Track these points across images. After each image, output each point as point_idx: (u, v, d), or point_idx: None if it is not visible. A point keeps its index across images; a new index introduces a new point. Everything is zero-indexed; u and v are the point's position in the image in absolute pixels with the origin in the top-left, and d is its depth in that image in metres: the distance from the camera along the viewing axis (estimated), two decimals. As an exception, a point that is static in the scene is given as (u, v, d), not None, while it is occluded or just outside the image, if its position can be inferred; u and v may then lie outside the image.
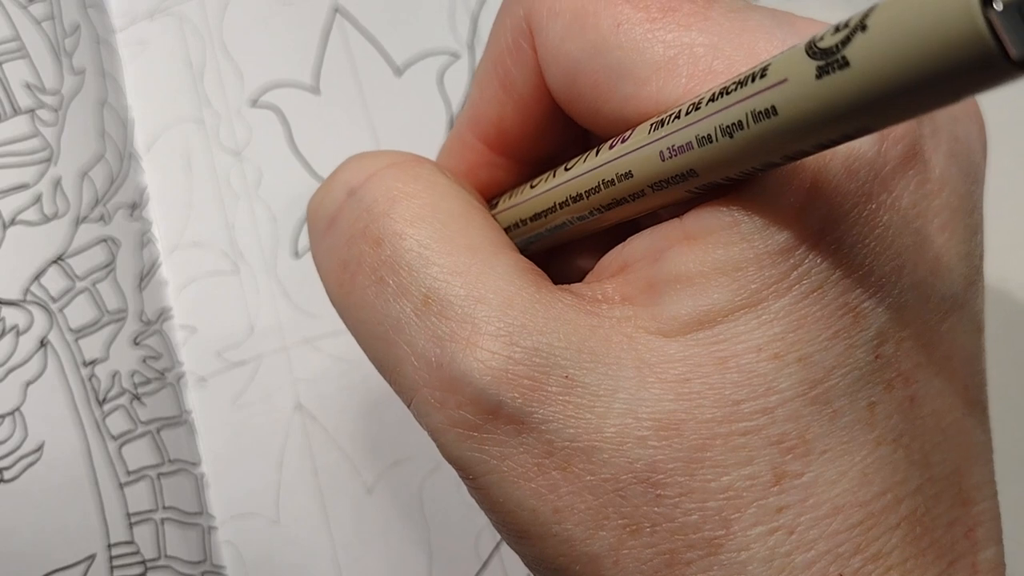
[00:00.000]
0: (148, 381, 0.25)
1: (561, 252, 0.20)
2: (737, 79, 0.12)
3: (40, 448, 0.23)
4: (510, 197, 0.18)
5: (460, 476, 0.14)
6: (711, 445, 0.13)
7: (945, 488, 0.13)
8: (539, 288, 0.14)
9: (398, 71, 0.28)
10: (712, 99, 0.12)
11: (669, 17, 0.14)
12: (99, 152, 0.27)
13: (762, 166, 0.12)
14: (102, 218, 0.26)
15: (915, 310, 0.13)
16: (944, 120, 0.14)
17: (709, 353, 0.13)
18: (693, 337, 0.13)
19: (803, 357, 0.13)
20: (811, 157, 0.13)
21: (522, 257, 0.15)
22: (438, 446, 0.14)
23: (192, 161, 0.28)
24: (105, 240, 0.26)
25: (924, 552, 0.13)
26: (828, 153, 0.13)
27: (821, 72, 0.10)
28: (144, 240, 0.27)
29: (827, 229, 0.13)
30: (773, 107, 0.11)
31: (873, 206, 0.13)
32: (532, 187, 0.17)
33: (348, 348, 0.26)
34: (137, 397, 0.25)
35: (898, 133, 0.13)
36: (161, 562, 0.24)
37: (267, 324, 0.26)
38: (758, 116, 0.11)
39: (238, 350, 0.26)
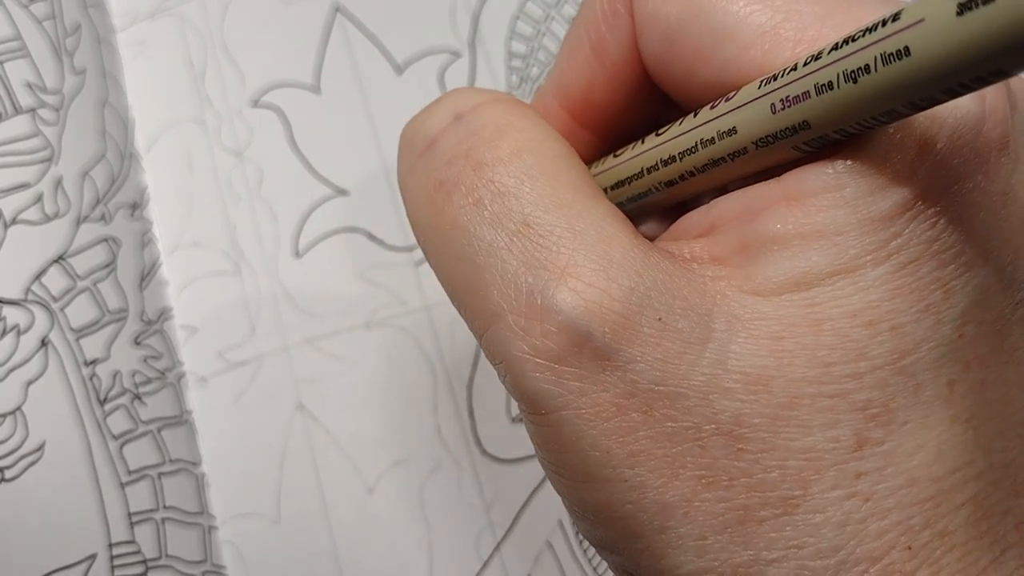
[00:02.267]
0: (149, 381, 0.25)
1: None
2: (864, 27, 0.11)
3: (41, 447, 0.23)
4: (591, 169, 0.17)
5: (525, 412, 0.14)
6: (798, 404, 0.13)
7: (1003, 476, 0.13)
8: (636, 235, 0.14)
9: (399, 70, 0.28)
10: (835, 47, 0.12)
11: None
12: (100, 152, 0.27)
13: (883, 115, 0.12)
14: (103, 218, 0.26)
15: (995, 295, 0.13)
16: None
17: (804, 314, 0.13)
18: (788, 298, 0.13)
19: (896, 327, 0.13)
20: (917, 125, 0.12)
21: (616, 209, 0.15)
22: (511, 377, 0.14)
23: (193, 161, 0.28)
24: (106, 240, 0.26)
25: (982, 536, 0.13)
26: (935, 124, 0.13)
27: (963, 8, 0.10)
28: (145, 240, 0.27)
29: (928, 201, 0.13)
30: (907, 48, 0.11)
31: (971, 184, 0.13)
32: (616, 156, 0.16)
33: (349, 348, 0.26)
34: (138, 397, 0.25)
35: (998, 116, 0.13)
36: (162, 562, 0.24)
37: (268, 324, 0.26)
38: (888, 59, 0.11)
39: (239, 350, 0.26)
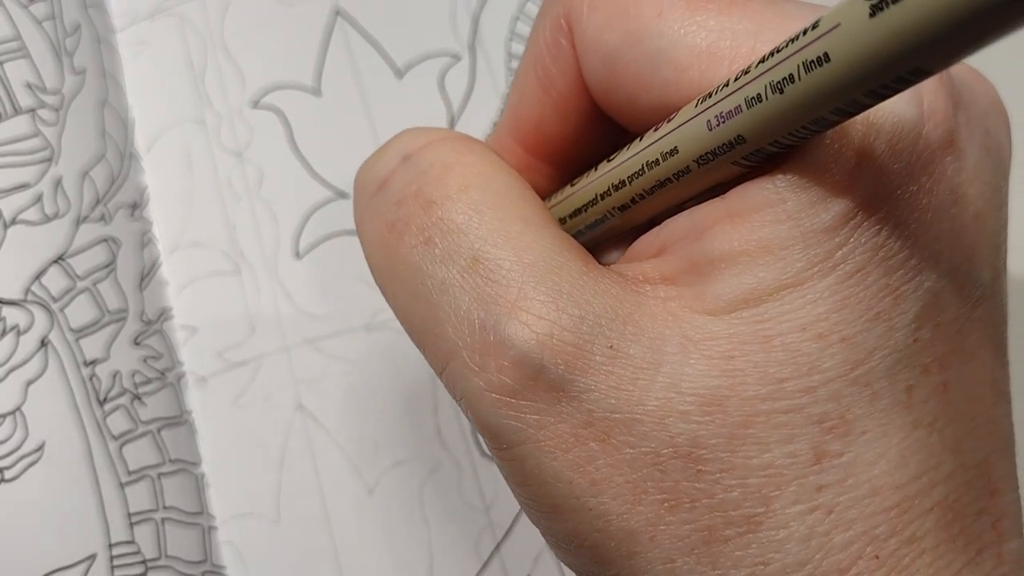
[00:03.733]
0: (149, 381, 0.25)
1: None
2: (788, 38, 0.12)
3: (41, 448, 0.23)
4: (549, 200, 0.18)
5: (490, 446, 0.14)
6: (754, 422, 0.13)
7: (975, 477, 0.13)
8: (586, 262, 0.14)
9: (399, 73, 0.28)
10: (762, 60, 0.12)
11: (710, 5, 0.14)
12: (100, 152, 0.27)
13: (813, 123, 0.12)
14: (103, 218, 0.26)
15: (950, 297, 0.13)
16: (976, 113, 0.14)
17: (754, 331, 0.13)
18: (737, 315, 0.13)
19: (846, 338, 0.13)
20: (855, 134, 0.13)
21: (566, 234, 0.15)
22: (472, 413, 0.14)
23: (193, 161, 0.28)
24: (106, 240, 0.26)
25: (955, 539, 0.13)
26: (872, 132, 0.13)
27: (875, 9, 0.10)
28: (145, 240, 0.27)
29: (871, 208, 0.13)
30: (825, 54, 0.11)
31: (915, 188, 0.13)
32: (572, 185, 0.17)
33: (349, 348, 0.26)
34: (138, 397, 0.25)
35: (938, 117, 0.13)
36: (162, 562, 0.24)
37: (268, 324, 0.26)
38: (810, 66, 0.11)
39: (239, 350, 0.26)
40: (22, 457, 0.23)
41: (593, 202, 0.16)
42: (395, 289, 0.15)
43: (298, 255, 0.27)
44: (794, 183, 0.13)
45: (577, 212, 0.16)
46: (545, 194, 0.18)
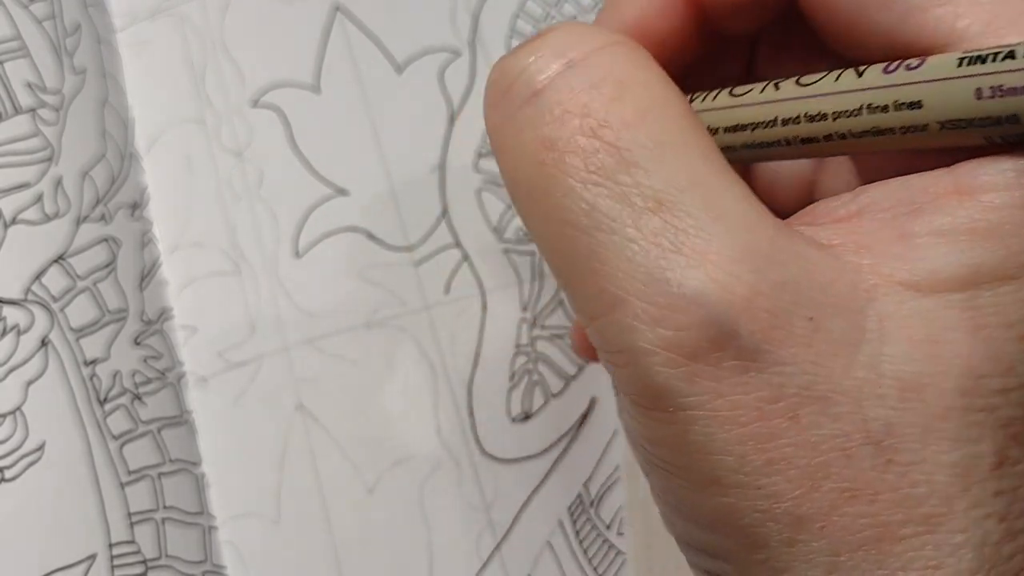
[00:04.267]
0: (149, 381, 0.25)
1: None
2: None
3: (41, 447, 0.23)
4: (701, 100, 0.16)
5: (644, 407, 0.13)
6: (949, 416, 0.12)
7: None
8: (777, 219, 0.13)
9: (399, 69, 0.28)
10: None
11: None
12: (100, 152, 0.27)
13: None
14: (103, 218, 0.26)
15: None
16: None
17: (964, 318, 0.12)
18: (947, 297, 0.12)
19: None
20: None
21: (749, 190, 0.13)
22: (631, 369, 0.12)
23: (193, 161, 0.28)
24: (106, 240, 0.26)
25: None
26: None
27: None
28: (145, 240, 0.27)
29: None
30: None
31: None
32: (734, 95, 0.15)
33: (349, 348, 0.26)
34: (138, 397, 0.25)
35: None
36: (162, 562, 0.24)
37: (268, 324, 0.26)
38: None
39: (239, 350, 0.26)
40: (22, 457, 0.23)
41: (770, 123, 0.14)
42: (548, 214, 0.13)
43: (298, 254, 0.27)
44: None
45: (739, 128, 0.15)
46: (690, 59, 0.16)
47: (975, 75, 0.12)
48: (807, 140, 0.14)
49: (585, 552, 0.24)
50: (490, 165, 0.27)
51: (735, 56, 0.18)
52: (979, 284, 0.12)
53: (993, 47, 0.12)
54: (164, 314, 0.26)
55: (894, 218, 0.13)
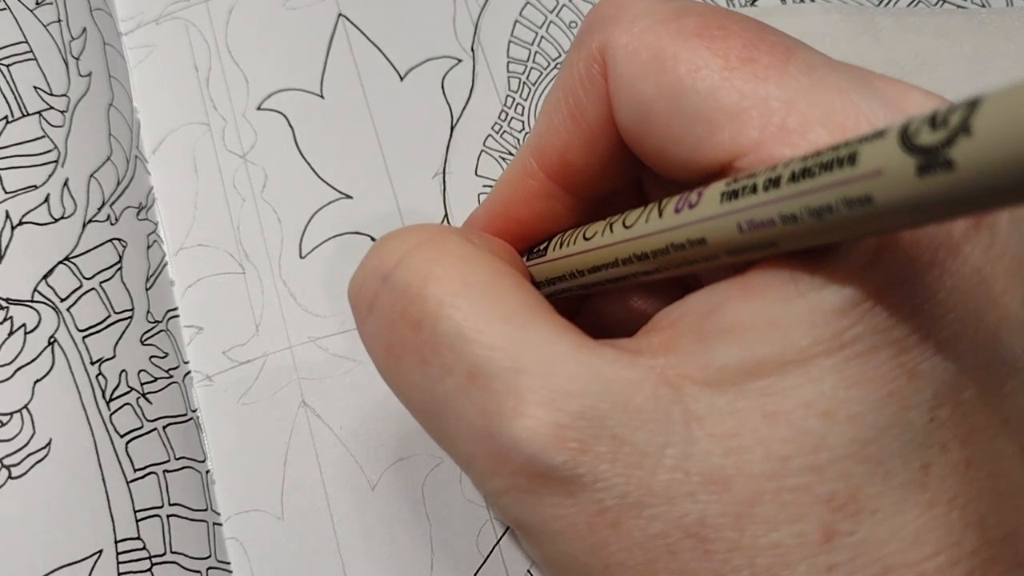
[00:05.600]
0: (155, 379, 0.26)
1: (593, 297, 0.20)
2: (819, 160, 0.12)
3: (48, 445, 0.24)
4: (561, 245, 0.18)
5: (515, 532, 0.15)
6: (760, 501, 0.13)
7: (1002, 550, 0.13)
8: (578, 349, 0.14)
9: (402, 75, 0.29)
10: (793, 178, 0.12)
11: (747, 67, 0.14)
12: (106, 154, 0.27)
13: (851, 239, 0.12)
14: (109, 219, 0.26)
15: (974, 374, 0.13)
16: None
17: (757, 407, 0.13)
18: (741, 389, 0.13)
19: (854, 416, 0.13)
20: None
21: (557, 317, 0.15)
22: (496, 508, 0.15)
23: (198, 163, 0.28)
24: (112, 240, 0.26)
25: None
26: None
27: (922, 171, 0.10)
28: (151, 240, 0.27)
29: (888, 292, 0.13)
30: (868, 196, 0.11)
31: (938, 272, 0.13)
32: (586, 238, 0.17)
33: (352, 347, 0.26)
34: (144, 395, 0.25)
35: None
36: (167, 557, 0.24)
37: (272, 324, 0.26)
38: (851, 203, 0.11)
39: (243, 349, 0.26)
40: (30, 454, 0.23)
41: (614, 264, 0.16)
42: (408, 405, 0.16)
43: (302, 255, 0.27)
44: (810, 263, 0.13)
45: (596, 269, 0.16)
46: (560, 222, 0.18)
47: (733, 212, 0.13)
48: (645, 273, 0.16)
49: (583, 547, 0.25)
50: (490, 170, 0.28)
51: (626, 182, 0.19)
52: (766, 373, 0.13)
53: (746, 177, 0.13)
54: (170, 313, 0.27)
55: (696, 321, 0.14)
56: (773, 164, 0.13)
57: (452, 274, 0.15)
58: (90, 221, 0.26)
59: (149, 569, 0.23)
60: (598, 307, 0.21)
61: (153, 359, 0.26)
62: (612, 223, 0.16)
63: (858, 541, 0.13)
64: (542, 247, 0.19)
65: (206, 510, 0.25)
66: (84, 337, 0.25)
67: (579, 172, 0.17)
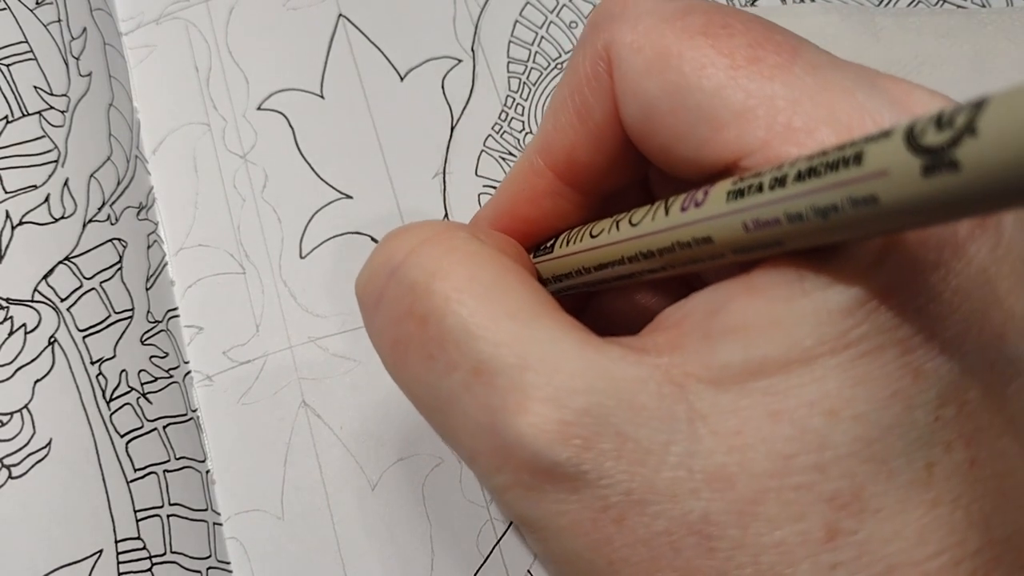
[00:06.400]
0: (155, 379, 0.26)
1: (599, 294, 0.20)
2: (825, 160, 0.12)
3: (48, 445, 0.24)
4: (567, 243, 0.18)
5: (520, 529, 0.15)
6: (763, 499, 0.13)
7: (1005, 550, 0.13)
8: (584, 347, 0.14)
9: (402, 76, 0.29)
10: (799, 177, 0.12)
11: (753, 66, 0.14)
12: (106, 154, 0.27)
13: (856, 239, 0.12)
14: (109, 219, 0.26)
15: (979, 373, 0.13)
16: None
17: (761, 405, 0.13)
18: (745, 388, 0.13)
19: (858, 415, 0.13)
20: None
21: (562, 314, 0.15)
22: (500, 504, 0.15)
23: (198, 163, 0.28)
24: (112, 240, 0.26)
25: None
26: None
27: (927, 171, 0.10)
28: (151, 240, 0.27)
29: (893, 292, 0.13)
30: (874, 196, 0.11)
31: (943, 272, 0.13)
32: (593, 236, 0.17)
33: (352, 347, 0.26)
34: (144, 395, 0.25)
35: None
36: (167, 557, 0.24)
37: (272, 324, 0.26)
38: (857, 203, 0.11)
39: (244, 349, 0.26)
40: (30, 454, 0.23)
41: (620, 262, 0.16)
42: (413, 400, 0.16)
43: (302, 255, 0.27)
44: (816, 262, 0.13)
45: (602, 266, 0.16)
46: (568, 219, 0.18)
47: (739, 210, 0.13)
48: (651, 271, 0.16)
49: (583, 547, 0.25)
50: (490, 170, 0.28)
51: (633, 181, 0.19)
52: (770, 372, 0.13)
53: (751, 176, 0.13)
54: (170, 313, 0.27)
55: (701, 320, 0.14)
56: (779, 163, 0.13)
57: (459, 270, 0.15)
58: (90, 221, 0.26)
59: (149, 569, 0.23)
60: (603, 304, 0.21)
61: (153, 359, 0.26)
62: (618, 221, 0.16)
63: (861, 540, 0.13)
64: (548, 244, 0.19)
65: (206, 510, 0.25)
66: (84, 337, 0.25)
67: (586, 170, 0.17)
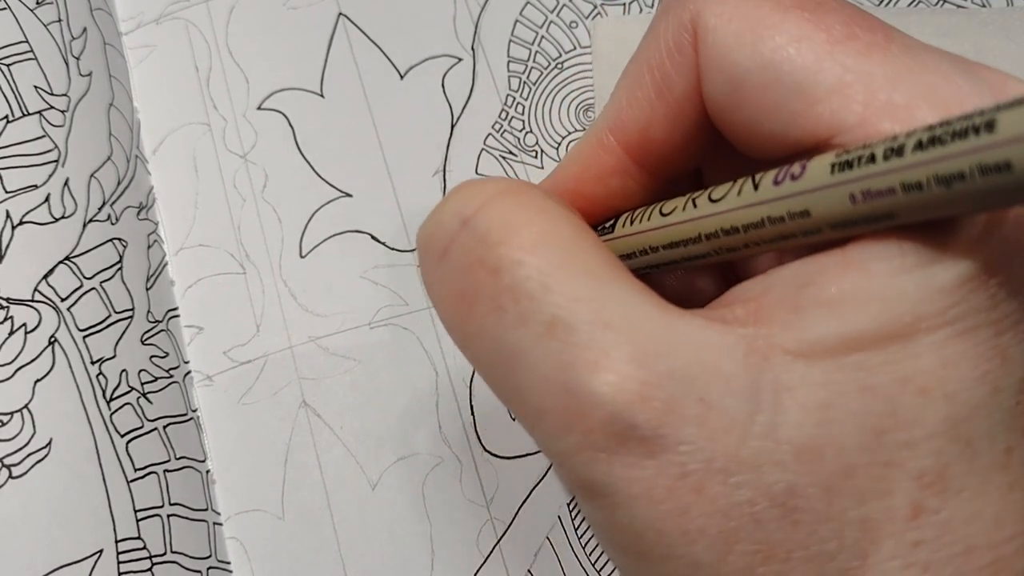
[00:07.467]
0: (155, 379, 0.26)
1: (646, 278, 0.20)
2: (950, 129, 0.11)
3: (49, 445, 0.24)
4: (631, 222, 0.17)
5: (580, 498, 0.14)
6: (852, 473, 0.13)
7: None
8: (664, 311, 0.14)
9: (402, 74, 0.29)
10: (920, 146, 0.12)
11: (850, 43, 0.14)
12: (106, 154, 0.27)
13: (972, 212, 0.12)
14: (109, 218, 0.26)
15: None
16: None
17: (853, 380, 0.13)
18: (837, 362, 0.13)
19: (949, 394, 0.12)
20: None
21: (638, 281, 0.14)
22: (563, 470, 0.14)
23: (198, 163, 0.28)
24: (113, 240, 0.26)
25: None
26: None
27: None
28: (151, 240, 0.27)
29: (991, 272, 0.13)
30: (1008, 163, 0.11)
31: None
32: (663, 214, 0.16)
33: (352, 347, 0.26)
34: (144, 395, 0.25)
35: None
36: (168, 557, 0.24)
37: (272, 323, 0.26)
38: (987, 170, 0.11)
39: (244, 349, 0.26)
40: (30, 454, 0.23)
41: (696, 240, 0.15)
42: (475, 356, 0.15)
43: (302, 255, 0.27)
44: (918, 239, 0.13)
45: (675, 244, 0.16)
46: (633, 200, 0.18)
47: (846, 182, 0.13)
48: (731, 249, 0.15)
49: (583, 547, 0.25)
50: (491, 169, 0.28)
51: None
52: (865, 347, 0.13)
53: (860, 148, 0.13)
54: (170, 313, 0.27)
55: (789, 293, 0.13)
56: (890, 136, 0.12)
57: (536, 224, 0.14)
58: (90, 221, 0.26)
59: (149, 569, 0.23)
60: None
61: (153, 359, 0.26)
62: (695, 198, 0.15)
63: (944, 519, 0.12)
64: (608, 225, 0.18)
65: (206, 510, 0.25)
66: (84, 337, 0.25)
67: (660, 148, 0.17)
